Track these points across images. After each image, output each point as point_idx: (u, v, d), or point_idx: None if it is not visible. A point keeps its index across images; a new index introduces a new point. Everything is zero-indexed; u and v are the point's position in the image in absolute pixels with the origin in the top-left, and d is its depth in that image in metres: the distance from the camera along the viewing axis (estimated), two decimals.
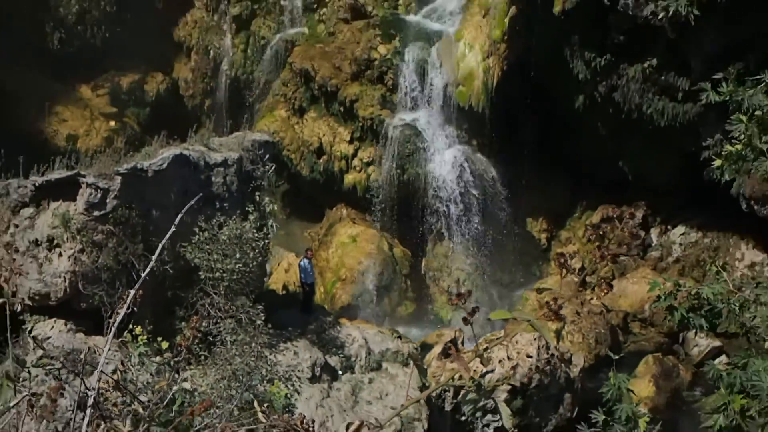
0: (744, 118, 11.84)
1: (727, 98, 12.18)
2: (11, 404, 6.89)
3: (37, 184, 29.21)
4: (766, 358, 11.26)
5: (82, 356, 25.77)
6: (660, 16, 14.28)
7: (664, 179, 36.58)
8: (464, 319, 32.06)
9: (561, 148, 38.98)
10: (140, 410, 7.31)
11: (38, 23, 40.99)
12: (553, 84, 37.66)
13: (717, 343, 35.74)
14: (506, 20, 37.25)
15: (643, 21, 33.30)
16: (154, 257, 15.16)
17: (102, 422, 6.62)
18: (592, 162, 38.84)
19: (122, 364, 17.67)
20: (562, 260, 38.04)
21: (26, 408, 6.61)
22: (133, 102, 41.41)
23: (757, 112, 11.77)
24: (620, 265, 38.72)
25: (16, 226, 29.53)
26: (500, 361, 33.52)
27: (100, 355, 27.42)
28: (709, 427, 11.29)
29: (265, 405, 19.67)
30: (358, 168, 39.34)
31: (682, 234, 38.87)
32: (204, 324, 28.11)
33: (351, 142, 39.35)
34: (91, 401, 6.48)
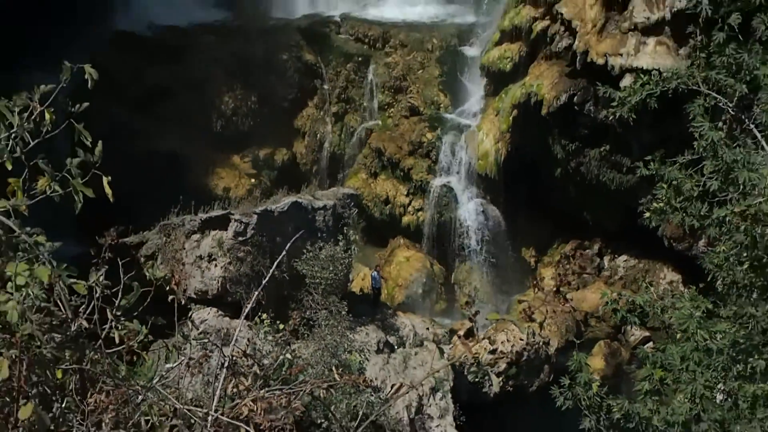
0: (665, 186, 12.87)
1: (654, 172, 13.18)
2: (174, 365, 7.24)
3: (202, 219, 31.90)
4: (678, 345, 11.79)
5: (224, 333, 29.52)
6: (611, 118, 15.88)
7: (614, 224, 37.86)
8: (470, 319, 35.25)
9: (546, 202, 40.15)
10: (257, 371, 7.36)
11: (207, 115, 42.39)
12: (541, 160, 39.05)
13: (646, 333, 37.06)
14: (510, 118, 38.85)
15: (600, 120, 35.37)
16: (272, 268, 18.69)
17: (233, 378, 6.86)
18: (565, 211, 40.12)
19: (249, 340, 20.40)
20: (534, 282, 40.07)
21: (185, 367, 7.21)
22: (266, 167, 42.30)
23: (674, 182, 12.64)
24: (583, 280, 40.04)
25: (184, 247, 32.40)
26: (502, 342, 36.16)
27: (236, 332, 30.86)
28: (639, 390, 12.04)
29: (342, 369, 22.41)
30: (411, 212, 41.09)
31: (625, 260, 40.27)
32: (307, 313, 29.84)
33: (407, 195, 41.14)
34: (227, 363, 6.88)
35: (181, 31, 45.08)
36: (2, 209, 5.01)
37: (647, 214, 13.45)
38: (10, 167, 5.56)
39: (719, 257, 11.51)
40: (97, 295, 5.22)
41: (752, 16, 11.67)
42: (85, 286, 5.15)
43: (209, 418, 5.65)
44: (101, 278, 5.34)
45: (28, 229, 5.09)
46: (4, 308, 4.93)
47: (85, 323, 5.13)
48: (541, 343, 36.50)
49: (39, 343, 5.13)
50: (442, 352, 35.14)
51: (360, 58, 44.87)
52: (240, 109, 43.29)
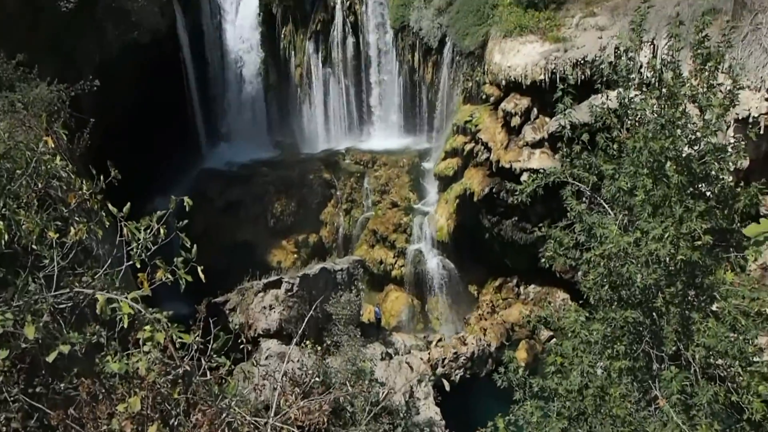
0: (552, 241, 12.48)
1: (545, 233, 12.85)
2: (248, 388, 7.23)
3: (264, 283, 31.99)
4: (569, 340, 11.62)
5: (283, 355, 29.37)
6: (515, 202, 15.41)
7: (524, 265, 36.98)
8: (439, 341, 35.64)
9: (481, 255, 39.97)
10: (300, 385, 7.12)
11: (266, 216, 42.86)
12: (476, 229, 38.78)
13: (551, 333, 34.54)
14: (455, 204, 38.88)
15: (510, 202, 34.84)
16: (310, 312, 18.74)
17: (284, 394, 6.54)
18: (494, 260, 39.94)
19: (298, 360, 20.27)
20: (478, 306, 39.94)
21: (253, 388, 7.19)
22: (303, 246, 42.23)
23: (557, 238, 12.39)
24: (508, 302, 39.73)
25: (254, 302, 32.34)
26: (461, 346, 35.96)
27: (290, 353, 30.80)
28: (548, 371, 11.81)
29: (358, 372, 22.29)
30: (397, 268, 40.69)
31: (533, 288, 40.20)
32: (335, 338, 30.57)
33: (394, 258, 40.79)
34: (282, 373, 6.72)
35: (247, 166, 45.67)
36: (133, 297, 5.06)
37: (543, 260, 12.96)
38: (138, 265, 5.62)
39: (590, 283, 11.46)
40: (195, 347, 5.24)
41: (596, 134, 11.87)
42: (191, 339, 5.20)
43: (268, 425, 5.65)
44: (197, 336, 5.34)
45: (150, 309, 5.12)
46: (137, 365, 4.99)
47: (187, 367, 5.14)
48: (485, 345, 36.34)
49: (159, 386, 5.09)
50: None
51: (359, 174, 45.03)
52: (285, 210, 43.48)
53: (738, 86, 11.06)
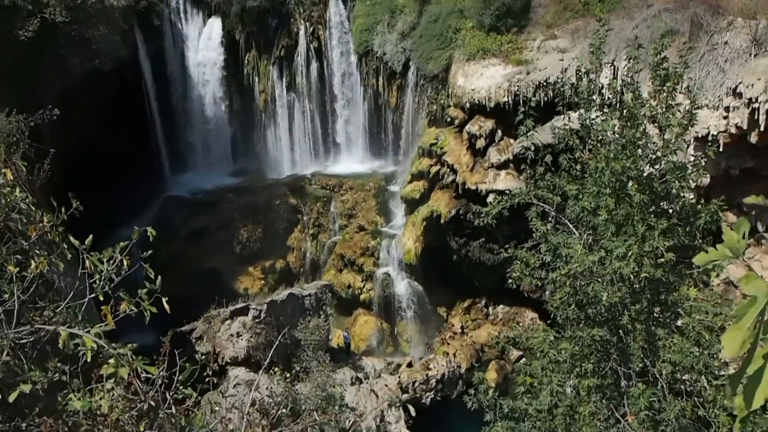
0: (519, 261, 12.48)
1: (512, 254, 12.89)
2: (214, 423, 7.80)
3: (231, 310, 31.84)
4: (538, 360, 11.67)
5: (251, 383, 29.22)
6: (481, 223, 15.40)
7: (493, 285, 36.87)
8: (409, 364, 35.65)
9: (450, 276, 39.97)
10: (270, 414, 7.98)
11: (232, 243, 42.41)
12: (443, 250, 38.95)
13: (521, 353, 34.79)
14: (422, 227, 38.85)
15: (477, 224, 36.30)
16: (278, 338, 18.67)
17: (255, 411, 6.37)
18: (462, 281, 39.85)
19: (267, 387, 20.16)
20: (448, 328, 39.73)
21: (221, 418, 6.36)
22: (271, 272, 41.81)
23: (524, 259, 12.45)
24: (477, 323, 39.53)
25: (221, 330, 32.17)
26: (432, 368, 35.83)
27: (258, 381, 30.58)
28: (518, 391, 11.83)
29: (328, 398, 22.12)
30: (365, 292, 40.44)
31: (502, 308, 40.12)
32: (304, 364, 29.75)
33: (362, 281, 40.56)
34: (250, 401, 6.49)
35: (212, 193, 45.48)
36: (96, 332, 5.01)
37: (510, 281, 13.03)
38: (102, 298, 5.57)
39: (556, 302, 11.54)
40: (160, 381, 5.18)
41: (559, 155, 12.01)
42: (156, 374, 5.15)
43: None
44: (162, 370, 5.29)
45: (114, 344, 5.08)
46: (100, 402, 4.91)
47: (152, 402, 5.08)
48: (455, 367, 36.27)
49: (123, 423, 5.03)
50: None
51: (325, 199, 45.04)
52: (252, 237, 43.24)
53: (696, 106, 11.30)
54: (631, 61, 11.51)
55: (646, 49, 12.58)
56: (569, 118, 11.95)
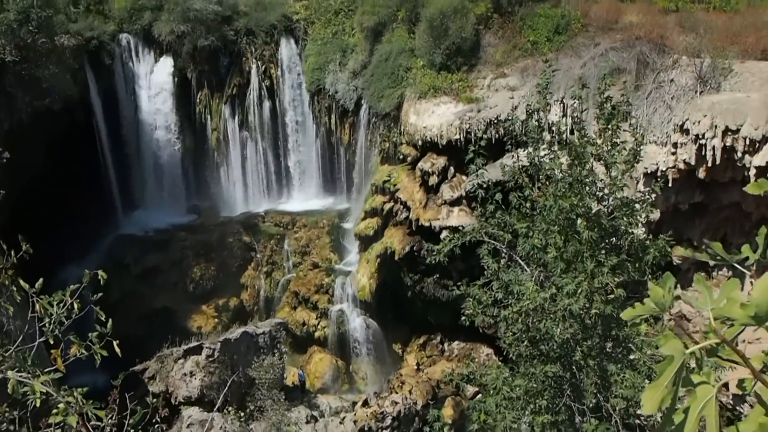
0: (472, 300, 12.60)
1: (464, 291, 13.07)
2: None
3: (184, 349, 31.33)
4: (492, 397, 11.57)
5: (205, 423, 28.87)
6: (433, 261, 15.19)
7: (448, 322, 36.42)
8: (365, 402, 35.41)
9: (404, 313, 40.12)
10: None
11: (185, 281, 42.13)
12: (398, 287, 38.92)
13: (476, 389, 33.20)
14: (376, 264, 38.91)
15: (426, 261, 36.70)
16: (232, 377, 18.54)
17: None
18: (417, 317, 39.97)
19: (221, 427, 19.83)
20: (403, 365, 40.19)
21: None
22: (224, 310, 41.40)
23: (477, 297, 12.49)
24: (433, 359, 39.64)
25: (174, 369, 31.69)
26: (387, 406, 36.16)
27: (212, 421, 30.19)
28: (471, 428, 11.80)
29: None
30: (320, 329, 40.21)
31: (458, 344, 40.17)
32: (258, 403, 30.38)
33: (316, 319, 40.32)
34: None
35: (164, 231, 44.98)
36: (45, 380, 4.94)
37: (463, 318, 13.10)
38: (52, 341, 5.51)
39: (509, 339, 11.63)
40: (109, 430, 5.11)
41: (508, 194, 12.16)
42: (105, 420, 5.08)
43: None
44: (112, 416, 5.22)
45: (64, 389, 5.00)
46: None
47: None
48: (411, 404, 35.90)
49: None
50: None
51: (279, 236, 44.88)
52: (205, 275, 42.95)
53: (640, 143, 11.56)
54: (576, 100, 11.76)
55: (590, 89, 12.87)
56: (518, 156, 12.15)
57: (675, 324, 2.87)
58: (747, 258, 2.88)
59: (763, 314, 2.35)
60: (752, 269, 2.93)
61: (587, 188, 10.80)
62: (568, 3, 37.59)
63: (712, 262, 3.11)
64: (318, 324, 40.86)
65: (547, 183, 11.30)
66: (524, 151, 11.93)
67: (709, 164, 25.59)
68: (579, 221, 10.57)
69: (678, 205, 27.81)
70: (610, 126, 11.18)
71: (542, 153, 11.60)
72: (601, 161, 11.23)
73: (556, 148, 11.40)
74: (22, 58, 34.02)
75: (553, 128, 11.95)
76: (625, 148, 11.42)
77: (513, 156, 12.31)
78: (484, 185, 12.38)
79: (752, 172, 24.36)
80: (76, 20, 41.57)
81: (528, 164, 11.82)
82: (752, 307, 2.35)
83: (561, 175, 11.09)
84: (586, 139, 10.98)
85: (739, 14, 34.94)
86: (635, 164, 11.60)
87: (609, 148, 11.18)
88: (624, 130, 11.67)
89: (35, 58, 35.15)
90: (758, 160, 24.13)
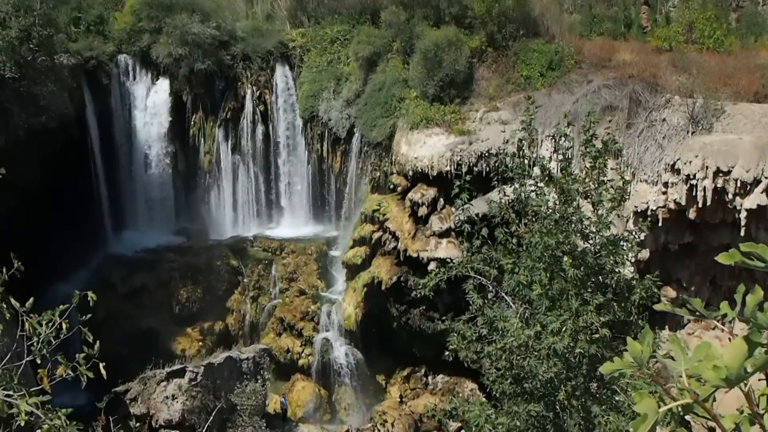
0: (455, 335, 12.75)
1: (449, 326, 13.19)
2: None
3: (167, 372, 31.09)
4: None
5: None
6: (419, 294, 15.01)
7: (432, 354, 35.76)
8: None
9: (389, 344, 39.93)
10: None
11: (171, 303, 41.93)
12: (384, 317, 38.93)
13: (459, 425, 36.09)
14: (363, 293, 38.81)
15: (412, 293, 36.81)
16: (220, 404, 18.47)
17: None
18: (402, 349, 39.83)
19: None
20: (386, 396, 40.16)
21: None
22: (209, 334, 41.17)
23: (461, 333, 12.60)
24: (416, 392, 39.35)
25: (156, 391, 31.69)
26: None
27: None
28: None
29: None
30: (304, 357, 39.97)
31: (442, 378, 40.00)
32: (239, 430, 30.51)
33: (301, 346, 40.17)
34: None
35: (153, 252, 44.81)
36: (33, 402, 4.97)
37: (447, 352, 13.26)
38: (39, 361, 5.54)
39: (492, 376, 11.65)
40: None
41: (494, 229, 12.22)
42: None
43: None
44: None
45: (48, 414, 5.03)
46: None
47: None
48: None
49: None
50: None
51: (266, 261, 44.78)
52: (191, 297, 42.77)
53: (627, 182, 11.68)
54: (563, 138, 11.87)
55: (579, 125, 12.99)
56: (504, 192, 12.24)
57: (653, 380, 2.94)
58: (725, 314, 2.95)
59: (733, 377, 2.43)
60: (730, 326, 3.04)
61: (573, 226, 10.87)
62: (562, 39, 38.02)
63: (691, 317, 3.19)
64: (302, 351, 40.65)
65: (534, 219, 11.38)
66: (511, 186, 12.02)
67: (700, 205, 25.59)
68: (565, 259, 10.63)
69: (668, 245, 27.82)
70: (597, 164, 11.28)
71: (529, 189, 11.68)
72: (588, 199, 11.32)
73: (542, 184, 11.50)
74: (21, 75, 34.04)
75: (542, 163, 12.03)
76: (612, 187, 11.49)
77: (499, 192, 12.39)
78: (471, 220, 12.44)
79: (743, 214, 24.38)
80: (76, 40, 41.76)
81: (514, 199, 11.90)
82: (723, 369, 2.43)
83: (548, 211, 11.17)
84: (572, 176, 11.07)
85: (732, 56, 35.18)
86: (622, 203, 11.69)
87: (596, 186, 11.27)
88: (611, 168, 11.78)
89: (34, 76, 35.18)
90: (749, 202, 24.16)
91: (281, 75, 45.91)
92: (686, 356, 2.71)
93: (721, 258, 2.79)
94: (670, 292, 28.14)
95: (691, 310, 3.16)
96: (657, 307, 3.61)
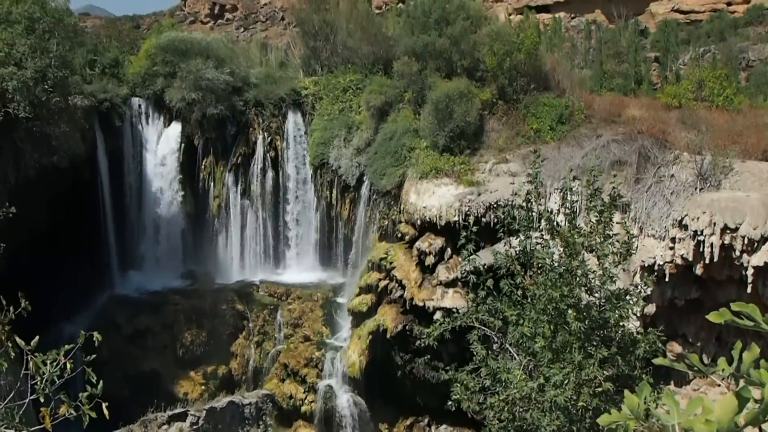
0: (459, 386, 12.71)
1: (452, 376, 13.30)
2: None
3: (169, 415, 31.01)
4: None
5: None
6: (423, 344, 15.05)
7: (436, 404, 35.57)
8: None
9: (393, 392, 39.44)
10: None
11: (175, 346, 41.69)
12: (388, 366, 38.54)
13: None
14: (368, 341, 38.48)
15: (417, 342, 36.73)
16: None
17: None
18: (405, 398, 39.51)
19: None
20: None
21: None
22: (212, 377, 40.99)
23: (464, 383, 12.70)
24: None
25: None
26: None
27: None
28: None
29: None
30: (307, 404, 39.52)
31: (445, 428, 39.36)
32: None
33: (304, 393, 39.57)
34: None
35: (159, 294, 44.84)
36: None
37: (450, 402, 13.18)
38: (42, 399, 5.59)
39: (495, 427, 11.63)
40: None
41: (500, 280, 12.30)
42: None
43: None
44: None
45: None
46: None
47: None
48: None
49: None
50: None
51: (272, 306, 44.76)
52: (195, 340, 42.71)
53: (632, 236, 11.76)
54: (568, 192, 11.99)
55: (585, 179, 13.09)
56: (510, 245, 12.33)
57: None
58: (723, 369, 3.01)
59: (724, 431, 2.49)
60: (728, 382, 3.10)
61: (578, 279, 10.93)
62: (572, 94, 38.38)
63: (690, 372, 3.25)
64: (305, 398, 40.27)
65: (539, 271, 11.45)
66: (516, 239, 12.12)
67: (707, 261, 25.54)
68: (569, 312, 10.67)
69: (674, 300, 27.71)
70: (602, 218, 11.38)
71: (534, 241, 11.78)
72: (593, 253, 11.39)
73: (547, 237, 11.59)
74: (35, 115, 34.39)
75: (549, 215, 12.14)
76: (617, 241, 11.58)
77: (504, 244, 12.48)
78: (477, 270, 12.52)
79: (750, 271, 24.26)
80: (90, 81, 42.34)
81: (520, 251, 12.00)
82: (714, 424, 2.50)
83: (553, 264, 11.24)
84: (577, 230, 11.17)
85: (741, 114, 35.33)
86: (628, 257, 11.75)
87: (601, 240, 11.35)
88: (617, 222, 11.87)
89: (47, 116, 35.57)
90: (756, 260, 24.08)
91: (293, 122, 46.40)
92: (679, 410, 2.78)
93: (712, 317, 2.86)
94: (676, 347, 28.01)
95: (689, 365, 3.22)
96: (656, 361, 3.66)
